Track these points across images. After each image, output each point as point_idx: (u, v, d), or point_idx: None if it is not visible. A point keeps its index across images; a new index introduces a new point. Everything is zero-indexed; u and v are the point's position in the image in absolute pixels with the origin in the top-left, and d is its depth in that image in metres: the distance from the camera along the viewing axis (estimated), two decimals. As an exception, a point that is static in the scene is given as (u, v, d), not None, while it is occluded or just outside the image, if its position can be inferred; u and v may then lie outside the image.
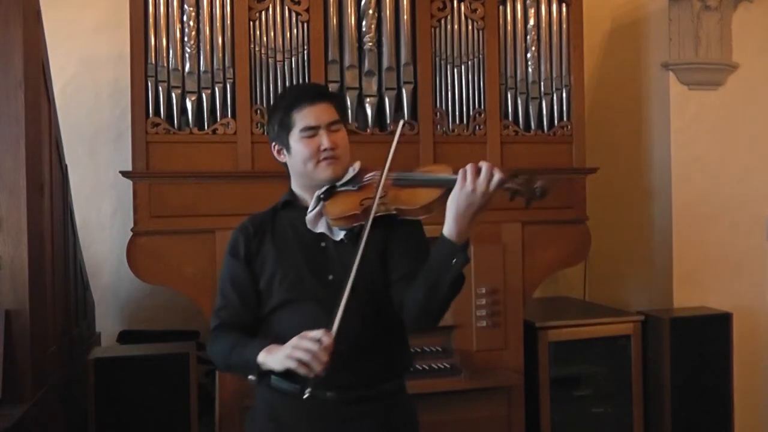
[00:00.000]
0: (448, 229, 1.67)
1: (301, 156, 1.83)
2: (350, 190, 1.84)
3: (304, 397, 1.61)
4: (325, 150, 1.81)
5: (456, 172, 1.70)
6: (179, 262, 3.07)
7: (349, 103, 3.23)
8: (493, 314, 3.34)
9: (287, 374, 1.77)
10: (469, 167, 1.65)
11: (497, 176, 1.64)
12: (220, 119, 3.13)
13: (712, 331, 3.73)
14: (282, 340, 1.71)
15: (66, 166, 3.34)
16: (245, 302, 1.87)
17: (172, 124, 3.10)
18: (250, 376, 1.79)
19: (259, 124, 3.16)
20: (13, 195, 2.47)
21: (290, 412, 1.83)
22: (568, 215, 3.49)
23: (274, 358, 1.68)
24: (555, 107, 3.50)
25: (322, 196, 1.84)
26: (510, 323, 3.37)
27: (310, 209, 1.85)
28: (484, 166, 1.65)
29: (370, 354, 1.82)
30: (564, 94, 3.51)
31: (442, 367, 3.21)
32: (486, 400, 3.26)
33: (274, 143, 1.91)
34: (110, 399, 2.94)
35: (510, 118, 3.46)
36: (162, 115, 3.07)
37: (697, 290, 3.96)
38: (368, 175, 1.86)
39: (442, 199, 1.71)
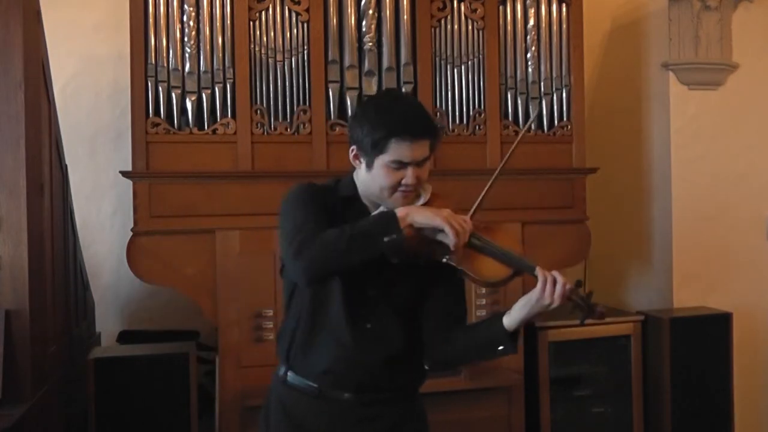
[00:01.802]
0: (511, 323, 1.76)
1: (379, 182, 1.77)
2: None
3: (444, 260, 1.73)
4: (406, 185, 1.77)
5: (524, 250, 1.81)
6: (179, 262, 3.07)
7: (349, 103, 3.23)
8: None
9: (305, 372, 1.83)
10: (548, 276, 1.72)
11: (568, 288, 1.73)
12: (220, 119, 3.13)
13: (712, 331, 3.73)
14: (313, 316, 1.81)
15: (66, 166, 3.34)
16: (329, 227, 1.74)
17: (172, 124, 3.10)
18: (388, 237, 1.66)
19: (259, 124, 3.16)
20: (13, 195, 2.47)
21: (305, 411, 1.85)
22: (568, 215, 3.49)
23: (422, 212, 1.71)
24: (555, 107, 3.50)
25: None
26: (510, 323, 3.37)
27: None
28: (559, 279, 1.71)
29: (391, 365, 1.84)
30: (564, 94, 3.51)
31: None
32: (486, 400, 3.26)
33: (353, 147, 1.82)
34: (110, 399, 2.94)
35: (510, 118, 3.46)
36: (162, 115, 3.07)
37: (697, 290, 3.96)
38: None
39: (507, 280, 1.79)
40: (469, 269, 1.76)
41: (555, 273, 1.71)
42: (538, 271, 1.72)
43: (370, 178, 1.80)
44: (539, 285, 1.71)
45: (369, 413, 1.84)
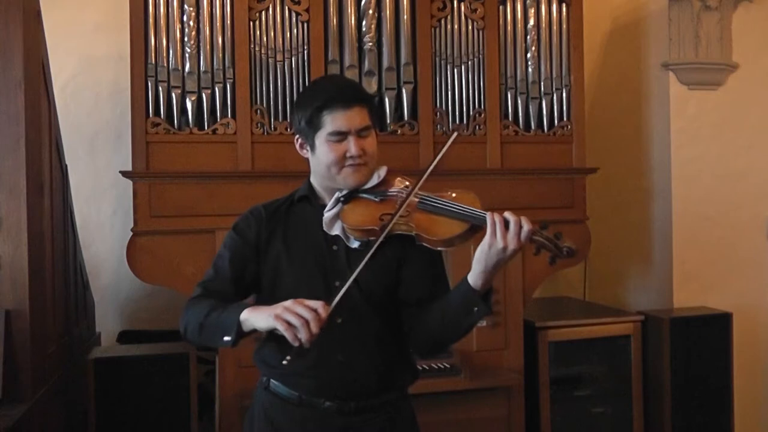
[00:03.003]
0: (474, 279, 1.64)
1: (325, 159, 1.74)
2: (371, 200, 1.77)
3: (283, 363, 1.56)
4: (351, 157, 1.73)
5: (483, 206, 1.66)
6: (179, 262, 3.07)
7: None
8: (493, 314, 3.33)
9: (286, 380, 1.78)
10: (497, 218, 1.58)
11: (526, 228, 1.58)
12: (220, 119, 3.13)
13: (712, 331, 3.73)
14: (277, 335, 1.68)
15: (66, 166, 3.34)
16: (238, 283, 1.80)
17: (172, 124, 3.10)
18: (225, 338, 1.63)
19: (259, 124, 3.16)
20: (13, 195, 2.47)
21: (287, 419, 1.80)
22: (568, 215, 3.49)
23: (259, 315, 1.60)
24: (555, 107, 3.50)
25: (342, 198, 1.77)
26: (510, 323, 3.37)
27: (327, 209, 1.78)
28: (511, 219, 1.58)
29: (371, 366, 1.77)
30: (564, 94, 3.51)
31: (442, 367, 3.21)
32: (486, 400, 3.26)
33: (298, 137, 1.82)
34: (110, 399, 2.94)
35: (510, 118, 3.46)
36: (162, 115, 3.07)
37: (697, 290, 3.96)
38: (394, 190, 1.78)
39: (465, 235, 1.67)
40: (423, 231, 1.69)
41: (507, 213, 1.59)
42: (487, 215, 1.60)
43: (317, 161, 1.78)
44: (489, 228, 1.58)
45: (352, 423, 1.77)
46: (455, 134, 1.80)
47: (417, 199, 1.73)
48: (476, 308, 1.66)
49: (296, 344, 1.54)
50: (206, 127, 3.13)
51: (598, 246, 3.76)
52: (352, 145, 1.73)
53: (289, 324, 1.53)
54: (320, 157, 1.76)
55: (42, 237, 2.72)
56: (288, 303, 1.56)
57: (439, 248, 1.72)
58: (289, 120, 3.18)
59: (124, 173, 3.09)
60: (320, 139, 1.74)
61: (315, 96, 1.76)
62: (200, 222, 3.08)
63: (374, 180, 1.79)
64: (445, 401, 3.14)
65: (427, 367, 3.18)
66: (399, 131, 3.28)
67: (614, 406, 3.64)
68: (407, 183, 1.80)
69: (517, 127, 3.46)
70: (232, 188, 3.12)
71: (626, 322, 3.68)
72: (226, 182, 3.12)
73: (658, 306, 4.00)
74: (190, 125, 3.11)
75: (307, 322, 1.53)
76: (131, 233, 3.06)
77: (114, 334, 3.79)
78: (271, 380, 1.83)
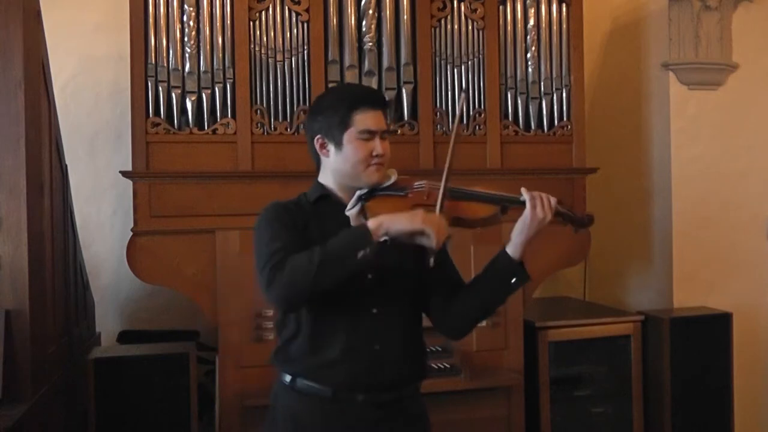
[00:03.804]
0: (515, 251, 1.83)
1: (353, 156, 1.83)
2: (398, 195, 1.86)
3: (430, 265, 1.74)
4: (377, 156, 1.83)
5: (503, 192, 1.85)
6: (179, 262, 3.07)
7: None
8: (493, 314, 3.33)
9: (318, 377, 1.81)
10: (536, 194, 1.80)
11: (553, 201, 1.82)
12: (220, 119, 3.13)
13: (712, 331, 3.73)
14: (315, 317, 1.79)
15: (66, 166, 3.34)
16: (301, 247, 1.72)
17: (172, 124, 3.10)
18: (361, 251, 1.67)
19: (259, 124, 3.16)
20: (13, 195, 2.47)
21: (317, 417, 1.81)
22: (568, 215, 3.49)
23: (398, 219, 1.70)
24: (555, 107, 3.50)
25: (363, 196, 1.84)
26: (510, 323, 3.37)
27: (349, 207, 1.84)
28: (543, 194, 1.81)
29: (403, 355, 1.85)
30: (564, 94, 3.51)
31: (442, 367, 3.21)
32: (486, 400, 3.26)
33: (318, 137, 1.87)
34: (110, 399, 2.94)
35: (510, 118, 3.46)
36: (162, 115, 3.07)
37: (697, 290, 3.96)
38: (417, 184, 1.88)
39: (498, 216, 1.84)
40: (461, 214, 1.84)
41: (537, 192, 1.81)
42: (524, 192, 1.81)
43: (342, 159, 1.85)
44: (529, 202, 1.79)
45: (382, 415, 1.82)
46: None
47: (446, 190, 1.85)
48: (515, 278, 1.84)
49: (438, 247, 1.71)
50: (206, 127, 3.13)
51: (598, 246, 3.76)
52: (378, 145, 1.83)
53: (435, 229, 1.70)
54: (347, 155, 1.83)
55: (42, 237, 2.72)
56: (421, 212, 1.72)
57: (474, 228, 1.90)
58: (290, 119, 3.18)
59: (124, 173, 3.09)
60: (349, 137, 1.83)
61: (345, 96, 1.87)
62: (200, 222, 3.08)
63: (390, 180, 1.89)
64: (445, 401, 3.14)
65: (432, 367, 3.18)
66: (399, 131, 3.28)
67: (614, 406, 3.64)
68: (423, 181, 1.90)
69: (517, 127, 3.46)
70: (232, 188, 3.12)
71: (626, 322, 3.69)
72: (226, 182, 3.12)
73: (658, 306, 4.00)
74: (190, 125, 3.11)
75: (444, 231, 1.73)
76: (131, 233, 3.06)
77: (114, 334, 3.79)
78: (297, 379, 1.83)
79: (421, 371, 1.94)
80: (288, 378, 1.85)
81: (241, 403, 3.00)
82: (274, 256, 1.71)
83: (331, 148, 1.86)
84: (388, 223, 1.70)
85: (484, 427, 3.26)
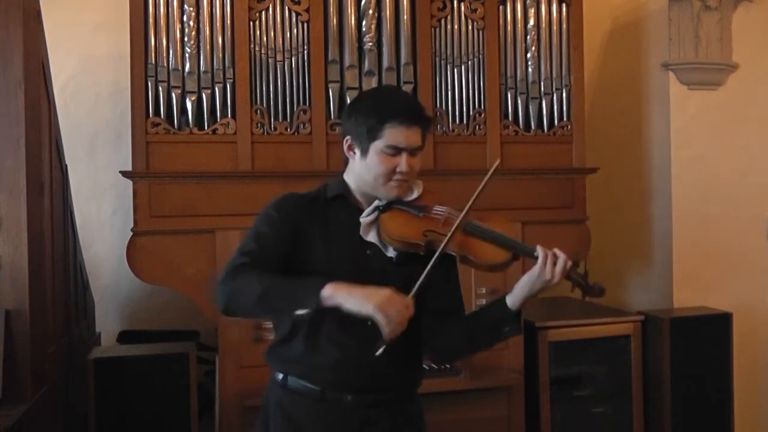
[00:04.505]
0: (514, 302, 1.79)
1: (375, 169, 1.79)
2: (413, 213, 1.82)
3: (377, 354, 1.65)
4: (400, 173, 1.78)
5: (521, 236, 1.83)
6: (179, 262, 3.07)
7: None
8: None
9: (307, 375, 1.81)
10: (549, 254, 1.73)
11: (569, 265, 1.74)
12: (220, 119, 3.13)
13: (712, 331, 3.73)
14: (313, 325, 1.76)
15: (66, 166, 3.35)
16: (280, 263, 1.75)
17: (172, 124, 3.10)
18: (299, 310, 1.65)
19: (259, 124, 3.16)
20: (13, 195, 2.47)
21: (306, 415, 1.83)
22: (568, 215, 3.49)
23: (352, 297, 1.62)
24: (555, 107, 3.50)
25: (381, 207, 1.82)
26: (510, 323, 3.37)
27: (364, 215, 1.82)
28: (561, 257, 1.73)
29: (394, 363, 1.82)
30: (564, 94, 3.51)
31: (442, 367, 3.21)
32: (486, 400, 3.26)
33: (348, 138, 1.84)
34: (110, 399, 2.94)
35: (510, 118, 3.46)
36: (162, 115, 3.07)
37: (697, 290, 3.96)
38: (438, 209, 1.84)
39: (508, 263, 1.80)
40: (470, 254, 1.78)
41: (556, 250, 1.73)
42: (539, 249, 1.74)
43: (365, 167, 1.81)
44: (540, 261, 1.73)
45: (370, 415, 1.82)
46: (497, 163, 1.96)
47: (462, 225, 1.80)
48: (507, 328, 1.81)
49: (389, 338, 1.63)
50: (206, 127, 3.13)
51: (598, 246, 3.75)
52: (403, 162, 1.78)
53: (389, 320, 1.61)
54: (371, 166, 1.80)
55: (42, 237, 2.72)
56: (386, 295, 1.62)
57: (481, 271, 1.86)
58: (290, 119, 3.18)
59: (124, 173, 3.09)
60: (375, 148, 1.79)
61: (381, 106, 1.81)
62: (200, 222, 3.08)
63: (413, 194, 1.85)
64: (445, 401, 3.14)
65: (427, 367, 3.17)
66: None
67: (614, 406, 3.64)
68: (445, 207, 1.85)
69: (517, 127, 3.46)
70: (232, 188, 3.12)
71: (626, 322, 3.68)
72: (226, 182, 3.12)
73: (658, 306, 4.00)
74: (190, 125, 3.11)
75: (402, 321, 1.63)
76: (131, 233, 3.06)
77: (114, 334, 3.80)
78: (289, 377, 1.85)
79: (414, 376, 1.94)
80: (280, 376, 1.87)
81: (241, 403, 3.00)
82: (239, 257, 1.74)
83: (358, 152, 1.83)
84: (343, 296, 1.63)
85: (484, 427, 3.26)
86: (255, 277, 1.69)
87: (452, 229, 1.75)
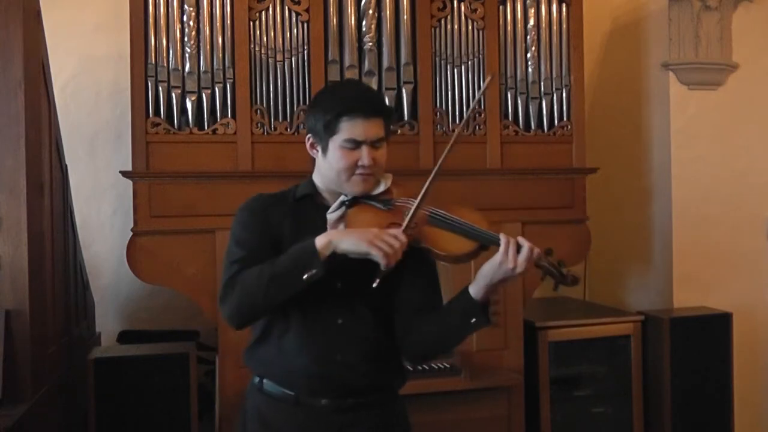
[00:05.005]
0: (476, 291, 1.71)
1: (336, 164, 1.76)
2: (378, 208, 1.79)
3: (374, 285, 1.64)
4: (362, 166, 1.74)
5: (490, 225, 1.73)
6: (179, 262, 3.07)
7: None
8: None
9: (281, 379, 1.79)
10: (511, 240, 1.66)
11: (535, 253, 1.66)
12: (220, 119, 3.13)
13: (712, 331, 3.73)
14: (280, 321, 1.75)
15: (66, 166, 3.34)
16: (265, 254, 1.72)
17: (172, 124, 3.10)
18: (307, 273, 1.63)
19: (259, 124, 3.16)
20: (13, 195, 2.47)
21: (282, 419, 1.81)
22: (568, 215, 3.49)
23: (346, 239, 1.64)
24: (555, 107, 3.50)
25: (346, 202, 1.78)
26: (510, 323, 3.37)
27: (330, 211, 1.79)
28: (525, 245, 1.66)
29: (367, 366, 1.79)
30: (564, 94, 3.51)
31: (442, 366, 3.21)
32: (486, 400, 3.26)
33: (309, 136, 1.82)
34: (110, 399, 2.94)
35: (510, 118, 3.46)
36: (162, 115, 3.07)
37: (697, 290, 3.96)
38: (402, 200, 1.80)
39: (474, 254, 1.73)
40: (432, 245, 1.73)
41: (520, 238, 1.67)
42: (501, 237, 1.68)
43: (327, 164, 1.78)
44: (501, 248, 1.66)
45: (347, 420, 1.79)
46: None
47: (427, 213, 1.76)
48: (474, 319, 1.72)
49: (386, 268, 1.62)
50: (206, 127, 3.13)
51: (598, 246, 3.76)
52: (365, 155, 1.74)
53: (383, 252, 1.61)
54: (331, 161, 1.77)
55: (42, 237, 2.72)
56: (375, 231, 1.64)
57: (446, 263, 1.76)
58: (290, 119, 3.18)
59: (124, 173, 3.09)
60: (334, 144, 1.76)
61: (336, 100, 1.77)
62: (200, 222, 3.08)
63: (380, 188, 1.81)
64: (445, 401, 3.14)
65: (427, 367, 3.18)
66: (399, 131, 3.28)
67: (614, 406, 3.64)
68: (411, 199, 1.79)
69: (517, 127, 3.46)
70: (232, 188, 3.11)
71: (626, 322, 3.68)
72: (226, 182, 3.12)
73: (658, 306, 4.00)
74: (190, 125, 3.11)
75: (396, 251, 1.62)
76: (131, 233, 3.06)
77: (114, 334, 3.79)
78: (265, 380, 1.83)
79: (393, 379, 1.89)
80: (257, 379, 1.86)
81: (241, 403, 2.99)
82: (229, 269, 1.73)
83: (319, 150, 1.80)
84: (336, 241, 1.64)
85: (484, 427, 3.26)
86: (253, 273, 1.68)
87: (410, 212, 1.71)
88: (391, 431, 1.87)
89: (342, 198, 1.79)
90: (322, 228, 1.77)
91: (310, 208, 1.84)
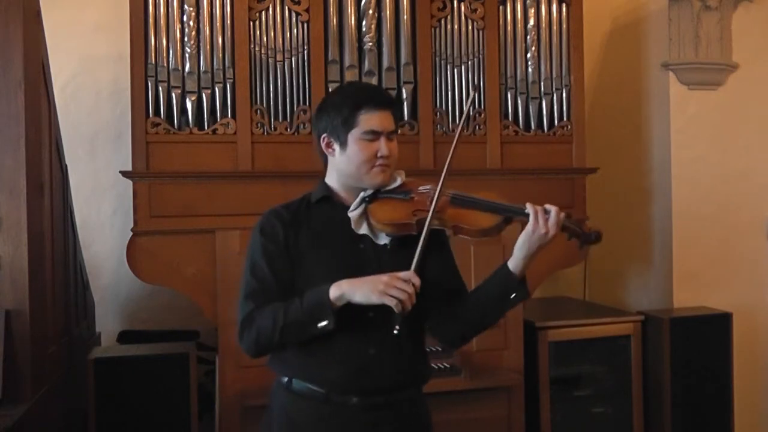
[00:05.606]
0: (516, 266, 1.79)
1: (356, 157, 1.80)
2: (400, 198, 1.84)
3: (395, 332, 1.67)
4: (381, 157, 1.80)
5: (509, 201, 1.82)
6: (179, 262, 3.07)
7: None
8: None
9: (312, 377, 1.80)
10: (539, 209, 1.76)
11: (562, 216, 1.77)
12: (220, 119, 3.13)
13: (712, 331, 3.73)
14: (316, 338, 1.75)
15: (66, 166, 3.35)
16: (282, 286, 1.79)
17: (172, 124, 3.10)
18: (321, 323, 1.70)
19: (259, 124, 3.16)
20: (13, 195, 2.47)
21: (311, 418, 1.81)
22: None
23: (357, 290, 1.68)
24: (555, 107, 3.50)
25: (367, 198, 1.83)
26: (510, 323, 3.37)
27: (352, 208, 1.82)
28: (552, 209, 1.76)
29: (399, 360, 1.82)
30: (564, 94, 3.51)
31: (442, 367, 3.21)
32: (486, 400, 3.25)
33: (324, 136, 1.85)
34: (110, 399, 2.94)
35: (510, 118, 3.46)
36: (162, 115, 3.07)
37: (697, 290, 3.96)
38: (423, 188, 1.86)
39: (500, 227, 1.81)
40: (461, 222, 1.80)
41: (548, 206, 1.77)
42: (529, 206, 1.78)
43: (346, 159, 1.82)
44: (531, 217, 1.76)
45: (375, 418, 1.80)
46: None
47: (448, 197, 1.84)
48: (514, 293, 1.80)
49: (401, 315, 1.66)
50: (206, 127, 3.13)
51: (598, 246, 3.75)
52: (383, 146, 1.81)
53: (396, 299, 1.65)
54: (351, 156, 1.81)
55: (42, 237, 2.72)
56: (385, 278, 1.67)
57: (474, 238, 1.84)
58: (290, 119, 3.18)
59: (124, 173, 3.09)
60: (353, 137, 1.81)
61: (350, 96, 1.84)
62: (200, 222, 3.08)
63: (396, 182, 1.87)
64: (445, 401, 3.14)
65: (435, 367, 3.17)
66: (399, 131, 3.27)
67: (614, 406, 3.64)
68: (429, 185, 1.88)
69: (517, 127, 3.46)
70: (232, 188, 3.12)
71: (626, 322, 3.69)
72: (225, 182, 3.12)
73: (658, 306, 4.00)
74: (190, 125, 3.11)
75: (409, 296, 1.65)
76: (131, 233, 3.06)
77: (114, 334, 3.79)
78: (294, 379, 1.84)
79: (420, 376, 1.92)
80: (285, 379, 1.86)
81: (241, 403, 3.00)
82: (244, 306, 1.81)
83: (336, 147, 1.83)
84: (349, 293, 1.68)
85: (484, 427, 3.26)
86: (268, 316, 1.75)
87: (436, 194, 1.77)
88: (417, 427, 1.90)
89: (362, 195, 1.83)
90: (343, 228, 1.81)
91: (328, 211, 1.87)
